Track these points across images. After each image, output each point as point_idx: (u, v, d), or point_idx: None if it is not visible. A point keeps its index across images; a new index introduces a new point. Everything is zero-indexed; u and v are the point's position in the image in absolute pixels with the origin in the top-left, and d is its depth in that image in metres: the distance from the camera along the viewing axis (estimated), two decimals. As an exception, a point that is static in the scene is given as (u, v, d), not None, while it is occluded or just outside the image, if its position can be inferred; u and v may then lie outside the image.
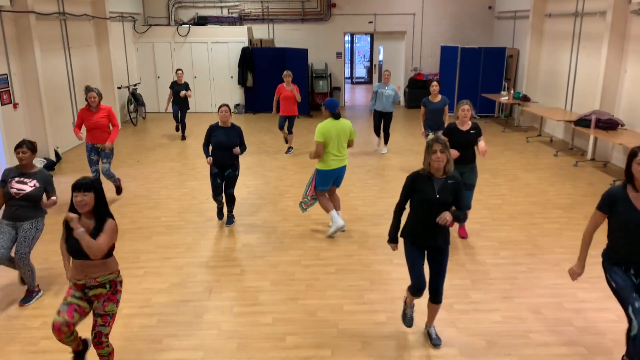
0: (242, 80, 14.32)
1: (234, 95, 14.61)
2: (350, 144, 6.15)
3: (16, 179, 4.63)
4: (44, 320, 4.51)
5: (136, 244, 6.09)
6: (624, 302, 3.44)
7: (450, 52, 13.88)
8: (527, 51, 12.47)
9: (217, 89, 14.57)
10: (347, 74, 20.51)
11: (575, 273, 3.72)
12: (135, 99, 13.29)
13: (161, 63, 14.44)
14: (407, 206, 3.95)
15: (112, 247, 3.53)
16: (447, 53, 14.00)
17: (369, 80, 21.26)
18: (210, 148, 6.33)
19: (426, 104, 8.18)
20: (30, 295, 4.83)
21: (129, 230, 6.46)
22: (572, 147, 10.41)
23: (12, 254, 4.75)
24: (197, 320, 4.49)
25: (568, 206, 7.14)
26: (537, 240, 6.06)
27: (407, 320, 4.20)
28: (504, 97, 12.62)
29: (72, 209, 3.40)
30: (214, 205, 7.01)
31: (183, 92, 10.99)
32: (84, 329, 4.16)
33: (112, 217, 3.48)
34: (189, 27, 14.25)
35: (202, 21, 14.59)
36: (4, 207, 4.70)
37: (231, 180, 6.43)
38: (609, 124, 8.69)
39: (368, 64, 21.98)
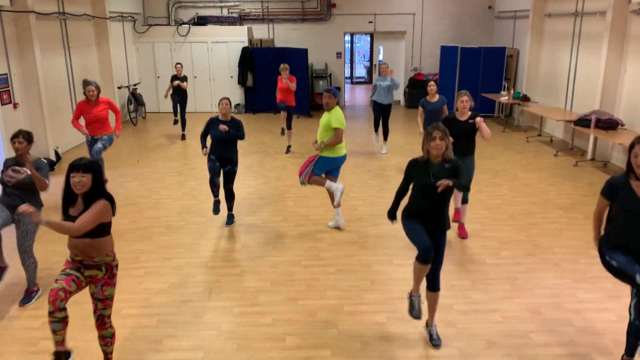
0: (242, 80, 14.32)
1: (234, 95, 14.61)
2: None
3: (11, 167, 4.63)
4: (44, 321, 4.50)
5: (136, 244, 6.09)
6: (630, 273, 3.38)
7: (450, 52, 13.88)
8: (527, 51, 12.47)
9: (217, 89, 14.56)
10: (347, 73, 20.51)
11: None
12: (135, 99, 13.30)
13: (161, 63, 14.44)
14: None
15: (109, 226, 3.49)
16: (447, 53, 14.00)
17: (369, 80, 21.24)
18: (210, 141, 6.34)
19: (424, 105, 8.14)
20: (29, 295, 4.83)
21: (129, 230, 6.46)
22: (572, 147, 10.41)
23: (10, 255, 4.74)
24: (197, 321, 4.49)
25: (568, 206, 7.14)
26: (537, 240, 6.06)
27: (415, 311, 4.08)
28: (504, 97, 12.62)
29: (67, 189, 3.37)
30: (213, 206, 6.94)
31: (176, 82, 11.04)
32: (81, 336, 4.16)
33: (108, 197, 3.42)
34: (189, 27, 14.25)
35: (202, 21, 14.58)
36: (2, 193, 4.69)
37: (230, 176, 6.41)
38: (609, 124, 8.69)
39: (368, 64, 21.97)
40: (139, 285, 5.11)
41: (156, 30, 14.29)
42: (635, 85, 8.81)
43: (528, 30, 12.37)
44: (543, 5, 12.01)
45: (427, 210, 3.89)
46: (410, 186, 4.03)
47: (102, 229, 3.43)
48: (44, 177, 4.56)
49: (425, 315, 4.21)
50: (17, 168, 4.62)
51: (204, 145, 6.43)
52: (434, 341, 4.11)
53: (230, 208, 6.63)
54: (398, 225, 4.18)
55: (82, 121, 7.48)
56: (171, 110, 11.95)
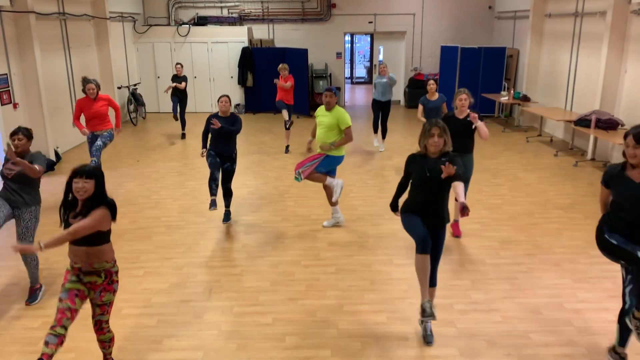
0: (242, 80, 14.32)
1: (234, 95, 14.60)
2: None
3: (11, 161, 4.64)
4: (44, 320, 4.51)
5: (136, 244, 6.09)
6: (632, 251, 3.41)
7: (450, 52, 13.88)
8: (527, 51, 12.47)
9: (217, 89, 14.55)
10: (347, 74, 20.50)
11: None
12: (135, 99, 13.30)
13: (161, 63, 14.44)
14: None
15: (108, 234, 3.49)
16: (447, 53, 14.00)
17: (369, 80, 21.24)
18: (210, 137, 6.35)
19: (424, 103, 8.19)
20: (34, 293, 4.83)
21: (129, 230, 6.46)
22: (572, 147, 10.41)
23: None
24: (197, 321, 4.49)
25: (568, 206, 7.14)
26: (537, 240, 6.06)
27: (427, 312, 3.83)
28: (504, 97, 12.62)
29: (67, 195, 3.38)
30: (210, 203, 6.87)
31: (174, 84, 11.09)
32: (81, 336, 4.16)
33: (109, 205, 3.42)
34: (189, 27, 14.25)
35: (202, 21, 14.59)
36: (2, 187, 4.69)
37: (229, 174, 6.42)
38: (609, 124, 8.69)
39: (368, 64, 21.97)
40: (139, 285, 5.11)
41: (156, 30, 14.29)
42: (635, 85, 8.81)
43: (528, 31, 12.37)
44: (543, 6, 12.01)
45: (425, 204, 3.92)
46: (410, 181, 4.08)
47: (102, 237, 3.43)
48: (37, 164, 4.52)
49: (417, 316, 4.22)
50: (18, 159, 4.63)
51: (204, 145, 6.44)
52: (427, 337, 4.13)
53: (227, 205, 6.62)
54: (398, 225, 4.18)
55: (82, 119, 7.49)
56: (171, 111, 11.97)
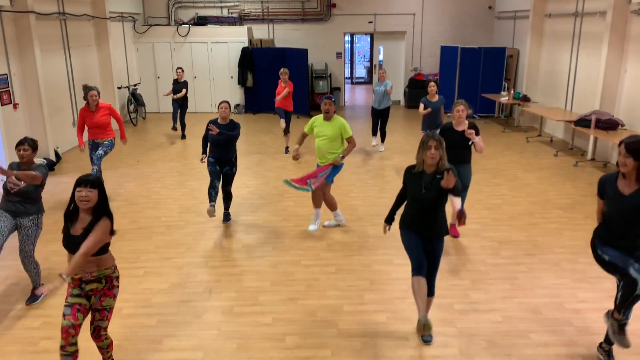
0: (242, 80, 14.32)
1: (234, 95, 14.61)
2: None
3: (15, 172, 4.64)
4: (44, 320, 4.51)
5: (136, 244, 6.09)
6: (623, 267, 3.48)
7: (450, 52, 13.88)
8: (527, 51, 12.47)
9: (217, 89, 14.57)
10: (347, 74, 20.50)
11: None
12: (135, 99, 13.30)
13: (161, 63, 14.44)
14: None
15: (107, 244, 3.52)
16: (447, 53, 14.00)
17: (369, 81, 21.24)
18: (209, 144, 6.37)
19: (425, 103, 8.26)
20: (35, 294, 4.83)
21: (129, 230, 6.46)
22: (572, 147, 10.41)
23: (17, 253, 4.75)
24: (197, 321, 4.49)
25: (568, 206, 7.14)
26: (537, 240, 6.06)
27: (424, 326, 3.75)
28: (504, 97, 12.62)
29: (72, 204, 3.40)
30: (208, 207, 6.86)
31: (174, 95, 11.16)
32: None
33: (110, 216, 3.47)
34: (189, 27, 14.25)
35: (202, 21, 14.58)
36: (3, 198, 4.70)
37: (228, 178, 6.45)
38: (609, 124, 8.69)
39: (368, 64, 21.97)
40: (139, 285, 5.11)
41: (156, 30, 14.29)
42: (635, 85, 8.81)
43: (528, 31, 12.37)
44: (543, 6, 12.01)
45: (420, 218, 3.97)
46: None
47: (102, 248, 3.45)
48: (40, 172, 4.55)
49: (416, 316, 4.23)
50: (17, 173, 4.62)
51: (204, 151, 6.44)
52: (425, 337, 4.14)
53: (227, 207, 6.66)
54: (398, 225, 4.18)
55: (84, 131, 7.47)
56: (171, 111, 11.96)
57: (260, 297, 4.88)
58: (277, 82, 10.24)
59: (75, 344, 3.45)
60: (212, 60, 14.43)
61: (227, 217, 6.67)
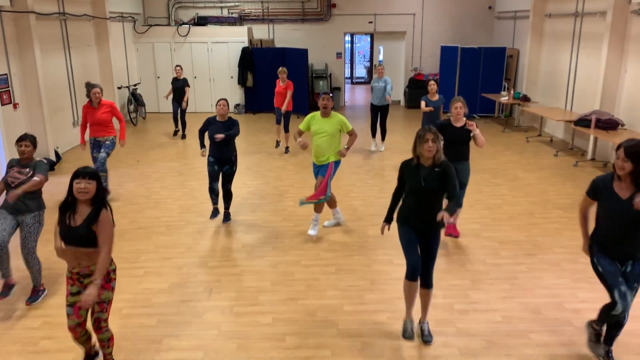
0: (242, 81, 14.32)
1: (234, 95, 14.61)
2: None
3: (15, 168, 4.67)
4: (44, 320, 4.51)
5: (136, 244, 6.09)
6: (610, 285, 3.61)
7: (450, 52, 13.88)
8: (527, 51, 12.47)
9: (217, 89, 14.56)
10: (347, 74, 20.51)
11: (584, 249, 3.91)
12: (135, 99, 13.30)
13: (161, 63, 14.43)
14: None
15: None
16: (447, 53, 14.00)
17: (369, 81, 21.23)
18: (208, 142, 6.37)
19: (426, 101, 8.31)
20: (36, 293, 4.83)
21: (129, 230, 6.46)
22: (572, 147, 10.41)
23: (19, 251, 4.78)
24: (197, 320, 4.49)
25: (568, 206, 7.14)
26: (537, 240, 6.06)
27: (407, 333, 4.20)
28: (504, 97, 12.61)
29: (70, 196, 3.45)
30: (212, 212, 6.89)
31: (184, 105, 11.24)
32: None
33: (107, 206, 3.53)
34: (189, 27, 14.25)
35: (202, 21, 14.58)
36: (3, 195, 4.71)
37: (228, 177, 6.47)
38: (609, 124, 8.69)
39: (368, 64, 21.97)
40: (139, 285, 5.11)
41: (156, 30, 14.29)
42: (635, 85, 8.81)
43: (528, 31, 12.37)
44: (543, 6, 12.01)
45: (418, 211, 3.98)
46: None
47: (97, 239, 3.49)
48: (39, 174, 4.60)
49: (417, 315, 4.27)
50: (22, 170, 4.65)
51: (202, 145, 6.50)
52: (425, 337, 4.15)
53: (227, 207, 6.67)
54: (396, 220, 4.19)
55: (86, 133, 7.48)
56: (171, 111, 11.97)
57: (260, 297, 4.89)
58: (276, 84, 10.26)
59: (86, 333, 3.68)
60: (212, 61, 14.43)
61: (227, 217, 6.69)
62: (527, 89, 12.55)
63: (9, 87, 8.70)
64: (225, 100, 6.40)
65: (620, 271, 3.62)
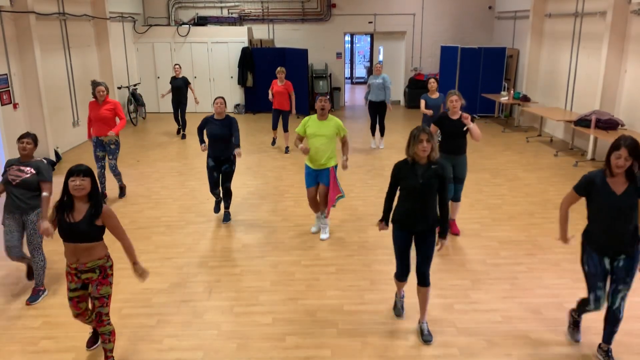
0: (242, 81, 14.32)
1: (234, 95, 14.62)
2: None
3: (15, 167, 4.69)
4: (45, 320, 4.51)
5: (136, 244, 6.07)
6: (590, 287, 3.75)
7: (450, 52, 13.88)
8: (527, 51, 12.47)
9: (217, 89, 14.56)
10: (347, 74, 20.51)
11: (562, 239, 3.98)
12: (135, 99, 13.31)
13: (161, 63, 14.44)
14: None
15: (102, 232, 3.64)
16: (447, 53, 14.00)
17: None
18: (206, 139, 6.39)
19: (426, 99, 8.33)
20: (37, 293, 4.84)
21: (129, 230, 6.42)
22: (572, 147, 10.41)
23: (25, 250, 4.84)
24: (197, 320, 4.49)
25: (568, 206, 7.13)
26: (537, 240, 6.06)
27: (397, 309, 4.49)
28: (504, 97, 12.62)
29: (66, 193, 3.52)
30: (214, 205, 6.97)
31: (196, 101, 11.49)
32: (81, 335, 4.15)
33: (104, 201, 3.70)
34: (189, 27, 14.25)
35: (202, 21, 14.58)
36: (5, 198, 4.72)
37: (227, 175, 6.47)
38: (609, 124, 8.69)
39: (368, 64, 21.97)
40: (139, 285, 5.11)
41: (156, 30, 14.29)
42: (635, 85, 8.81)
43: (528, 31, 12.37)
44: (543, 6, 12.01)
45: (414, 211, 3.98)
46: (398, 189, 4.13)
47: (98, 233, 3.60)
48: (45, 178, 4.68)
49: (416, 316, 4.28)
50: (22, 168, 4.65)
51: (201, 140, 6.51)
52: (425, 337, 4.15)
53: (227, 206, 6.67)
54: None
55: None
56: (171, 111, 11.97)
57: (260, 297, 4.89)
58: (273, 84, 10.26)
59: (90, 317, 3.85)
60: (212, 61, 14.43)
61: (227, 216, 6.69)
62: (527, 89, 12.55)
63: (9, 87, 8.70)
64: (222, 98, 6.39)
65: (605, 273, 3.68)
